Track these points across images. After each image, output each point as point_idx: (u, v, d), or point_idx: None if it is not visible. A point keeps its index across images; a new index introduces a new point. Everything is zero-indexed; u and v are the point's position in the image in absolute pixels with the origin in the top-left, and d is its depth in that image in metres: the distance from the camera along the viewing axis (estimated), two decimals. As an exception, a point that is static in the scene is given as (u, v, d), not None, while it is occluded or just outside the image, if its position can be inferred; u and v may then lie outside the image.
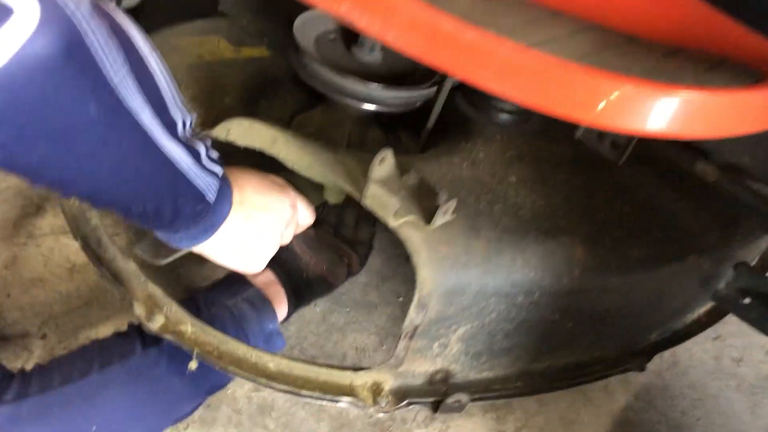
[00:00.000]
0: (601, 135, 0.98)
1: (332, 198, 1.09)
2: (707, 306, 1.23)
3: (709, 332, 1.34)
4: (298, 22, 1.03)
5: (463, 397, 0.91)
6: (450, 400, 0.91)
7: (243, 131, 0.96)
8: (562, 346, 1.02)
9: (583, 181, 1.04)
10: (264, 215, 0.87)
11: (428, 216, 0.84)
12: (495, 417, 1.12)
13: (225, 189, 0.79)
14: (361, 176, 0.87)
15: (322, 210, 1.18)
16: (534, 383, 1.02)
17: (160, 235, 0.79)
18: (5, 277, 1.13)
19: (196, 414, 1.01)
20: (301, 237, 1.09)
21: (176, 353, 0.90)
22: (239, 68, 1.15)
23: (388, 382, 0.92)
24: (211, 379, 0.94)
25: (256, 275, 1.03)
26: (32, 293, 1.11)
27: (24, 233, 1.20)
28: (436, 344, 0.90)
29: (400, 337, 0.88)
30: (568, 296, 0.93)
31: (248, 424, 1.02)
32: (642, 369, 1.11)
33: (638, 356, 1.12)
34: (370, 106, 0.99)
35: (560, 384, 1.05)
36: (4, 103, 0.51)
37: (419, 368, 0.93)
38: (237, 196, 0.81)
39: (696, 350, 1.33)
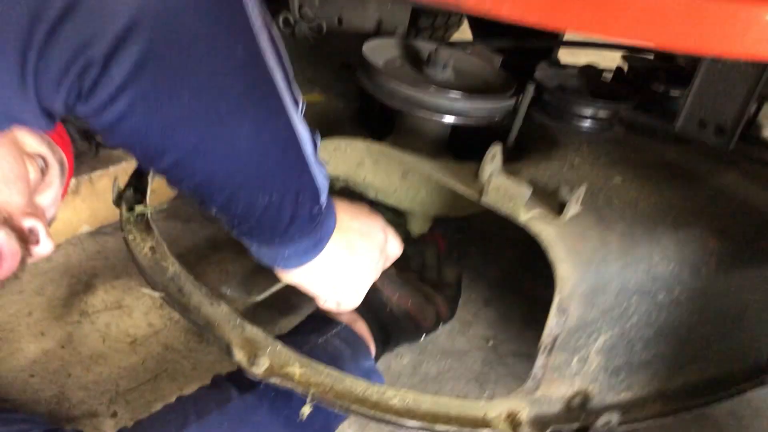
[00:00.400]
0: (702, 122, 0.92)
1: (416, 228, 1.02)
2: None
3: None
4: (366, 48, 0.99)
5: (613, 416, 0.80)
6: (600, 421, 0.79)
7: (326, 156, 0.90)
8: (698, 358, 0.92)
9: (684, 183, 0.98)
10: (362, 241, 0.80)
11: (557, 209, 0.76)
12: (625, 454, 0.99)
13: (329, 201, 0.73)
14: (471, 176, 0.80)
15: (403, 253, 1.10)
16: (672, 403, 0.91)
17: (267, 257, 0.71)
18: (62, 356, 1.01)
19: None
20: (383, 276, 1.00)
21: (277, 397, 0.79)
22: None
23: (524, 411, 0.81)
24: (316, 425, 0.82)
25: (340, 313, 0.94)
26: (95, 371, 1.00)
27: (76, 311, 1.10)
28: (575, 359, 0.80)
29: (538, 354, 0.78)
30: (705, 294, 0.84)
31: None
32: (776, 381, 1.01)
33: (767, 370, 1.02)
34: (451, 119, 0.93)
35: (697, 402, 0.94)
36: (156, 41, 0.45)
37: (556, 392, 0.82)
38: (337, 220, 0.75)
39: (811, 366, 1.23)
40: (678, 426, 1.05)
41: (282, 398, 0.79)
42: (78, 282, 1.16)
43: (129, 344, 1.05)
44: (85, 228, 1.27)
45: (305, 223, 0.67)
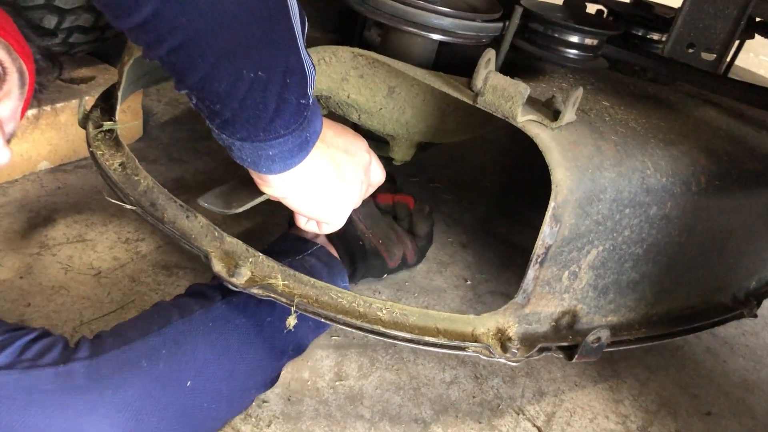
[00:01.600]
0: (692, 44, 0.91)
1: (399, 155, 0.99)
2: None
3: (788, 292, 1.26)
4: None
5: (603, 333, 0.78)
6: (590, 338, 0.78)
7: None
8: (683, 284, 0.91)
9: (669, 112, 0.97)
10: (346, 158, 0.77)
11: (552, 117, 0.74)
12: (608, 387, 0.98)
13: (315, 102, 0.69)
14: (464, 84, 0.77)
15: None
16: (657, 330, 0.90)
17: (249, 158, 0.66)
18: (21, 286, 0.95)
19: (277, 409, 0.84)
20: (360, 209, 0.97)
21: (261, 302, 0.76)
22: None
23: (513, 328, 0.78)
24: (297, 335, 0.80)
25: (314, 237, 0.91)
26: (56, 301, 0.94)
27: (35, 244, 1.03)
28: (566, 273, 0.78)
29: (529, 266, 0.76)
30: (695, 212, 0.84)
31: (339, 415, 0.85)
32: (755, 315, 1.01)
33: (745, 303, 1.02)
34: (438, 37, 0.90)
35: (682, 330, 0.93)
36: None
37: (545, 309, 0.80)
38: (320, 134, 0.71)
39: (781, 310, 1.24)
40: (657, 362, 1.05)
41: (266, 304, 0.77)
42: (37, 216, 1.09)
43: (93, 276, 1.00)
44: (44, 164, 1.20)
45: (292, 115, 0.63)
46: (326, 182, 0.75)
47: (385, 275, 1.06)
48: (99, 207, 1.13)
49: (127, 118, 1.29)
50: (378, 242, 0.99)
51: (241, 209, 0.78)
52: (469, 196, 1.40)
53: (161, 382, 0.66)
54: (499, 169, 1.57)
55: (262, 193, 0.76)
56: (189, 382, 0.67)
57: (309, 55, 0.64)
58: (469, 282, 1.14)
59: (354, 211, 0.96)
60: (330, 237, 0.93)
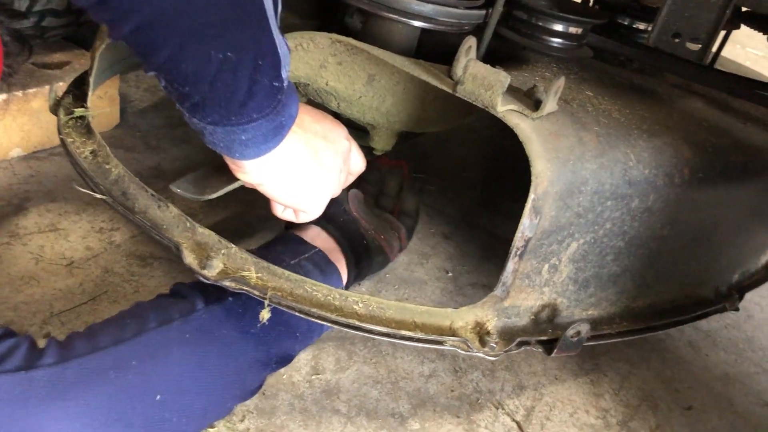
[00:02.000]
0: (677, 34, 0.90)
1: (380, 144, 0.97)
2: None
3: (771, 285, 1.26)
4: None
5: (582, 327, 0.77)
6: (570, 331, 0.76)
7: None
8: (665, 278, 0.90)
9: (654, 102, 0.96)
10: (324, 144, 0.75)
11: (533, 107, 0.72)
12: (588, 381, 0.97)
13: (291, 85, 0.67)
14: (444, 72, 0.75)
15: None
16: (638, 323, 0.89)
17: (222, 143, 0.64)
18: (-11, 277, 0.93)
19: (251, 404, 0.82)
20: (355, 201, 0.95)
21: (246, 313, 0.73)
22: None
23: (492, 322, 0.77)
24: (283, 346, 0.77)
25: (316, 238, 0.88)
26: (26, 292, 0.91)
27: (5, 233, 1.01)
28: (546, 266, 0.77)
29: (508, 259, 0.74)
30: (678, 205, 0.82)
31: (315, 409, 0.83)
32: (736, 308, 1.01)
33: (728, 297, 1.01)
34: (419, 23, 0.88)
35: (663, 324, 0.93)
36: None
37: (525, 302, 0.79)
38: (297, 119, 0.69)
39: (765, 303, 1.25)
40: (639, 356, 1.04)
41: (251, 315, 0.74)
42: (8, 205, 1.06)
43: (65, 267, 0.97)
44: (16, 151, 1.17)
45: (265, 98, 0.61)
46: (303, 169, 0.73)
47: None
48: (73, 195, 1.11)
49: (104, 105, 1.26)
50: (381, 238, 0.96)
51: (214, 195, 0.76)
52: (453, 186, 1.38)
53: (129, 394, 0.62)
54: (483, 160, 1.55)
55: (236, 180, 0.74)
56: (159, 396, 0.64)
57: (283, 37, 0.61)
58: (450, 274, 1.13)
59: (352, 205, 0.94)
60: (336, 239, 0.90)
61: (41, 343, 0.65)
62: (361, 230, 0.93)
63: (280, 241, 0.87)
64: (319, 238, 0.88)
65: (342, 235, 0.90)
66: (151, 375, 0.64)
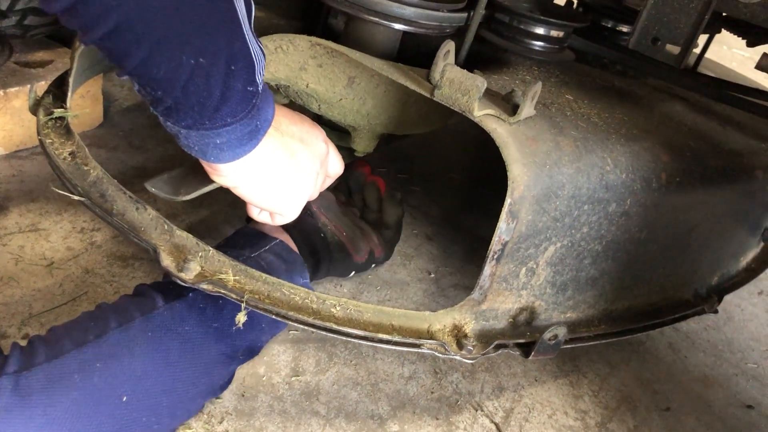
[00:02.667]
0: (656, 39, 0.90)
1: (361, 146, 0.97)
2: (755, 251, 1.16)
3: (752, 288, 1.27)
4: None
5: (560, 330, 0.77)
6: (547, 335, 0.77)
7: (266, 57, 0.83)
8: (644, 280, 0.91)
9: (634, 106, 0.96)
10: (301, 147, 0.75)
11: (510, 111, 0.73)
12: (568, 383, 0.98)
13: (267, 90, 0.67)
14: (423, 76, 0.75)
15: (347, 191, 1.05)
16: (616, 326, 0.90)
17: (197, 147, 0.64)
18: (-31, 278, 0.92)
19: (231, 405, 0.82)
20: (320, 201, 0.94)
21: (207, 307, 0.73)
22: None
23: (469, 325, 0.77)
24: (247, 339, 0.76)
25: (274, 230, 0.87)
26: (5, 293, 0.91)
27: (-14, 233, 1.00)
28: (523, 270, 0.77)
29: (485, 263, 0.75)
30: (655, 209, 0.83)
31: (294, 411, 0.84)
32: (715, 311, 1.01)
33: (706, 299, 1.02)
34: (400, 26, 0.88)
35: (642, 327, 0.93)
36: None
37: (503, 305, 0.79)
38: (273, 121, 0.69)
39: (745, 305, 1.25)
40: (619, 357, 1.05)
41: (212, 309, 0.73)
42: (-12, 204, 1.06)
43: (45, 267, 0.97)
44: (-1, 150, 1.17)
45: (239, 103, 0.61)
46: (279, 171, 0.73)
47: (353, 272, 1.01)
48: (54, 195, 1.10)
49: (87, 104, 1.26)
50: (342, 234, 0.96)
51: (189, 197, 0.76)
52: (437, 187, 1.38)
53: (95, 398, 0.62)
54: (468, 161, 1.55)
55: (212, 181, 0.74)
56: (125, 397, 0.63)
57: (257, 41, 0.62)
58: (432, 275, 1.13)
59: (313, 202, 0.94)
60: (288, 229, 0.90)
61: (8, 348, 0.64)
62: (317, 224, 0.93)
63: (240, 236, 0.86)
64: (276, 230, 0.88)
65: (295, 226, 0.88)
66: (115, 376, 0.64)
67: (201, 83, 0.57)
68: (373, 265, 1.03)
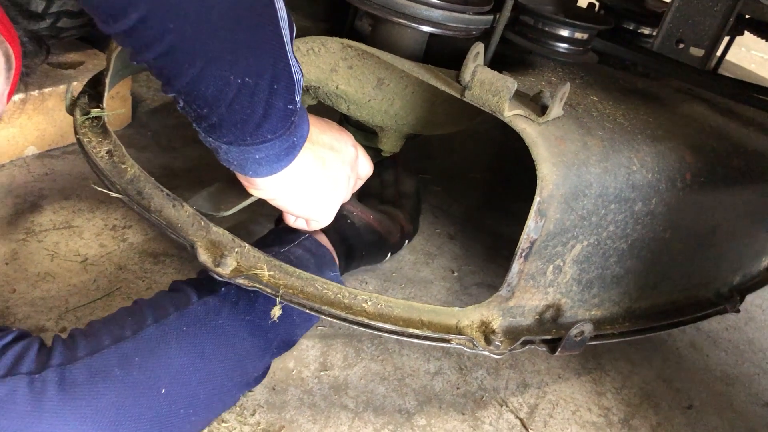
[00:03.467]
0: (680, 41, 0.92)
1: (388, 146, 0.99)
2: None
3: (772, 288, 1.27)
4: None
5: (586, 326, 0.79)
6: (573, 331, 0.78)
7: (299, 58, 0.85)
8: (667, 278, 0.92)
9: (658, 107, 0.97)
10: (332, 154, 0.78)
11: (539, 111, 0.74)
12: (591, 380, 0.99)
13: (302, 106, 0.69)
14: (452, 77, 0.77)
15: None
16: (640, 324, 0.91)
17: (236, 162, 0.67)
18: (6, 273, 0.95)
19: (262, 399, 0.84)
20: None
21: (239, 301, 0.75)
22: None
23: (497, 321, 0.79)
24: (280, 332, 0.78)
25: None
26: (42, 288, 0.94)
27: (21, 230, 1.03)
28: (550, 267, 0.79)
29: (514, 260, 0.76)
30: (680, 209, 0.84)
31: (324, 404, 0.86)
32: (737, 310, 1.02)
33: (728, 298, 1.03)
34: (427, 28, 0.90)
35: (665, 325, 0.94)
36: None
37: (530, 302, 0.80)
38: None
39: (766, 306, 1.26)
40: (641, 356, 1.06)
41: (245, 302, 0.75)
42: (23, 202, 1.09)
43: (79, 263, 0.99)
44: (32, 150, 1.19)
45: (279, 120, 0.64)
46: (313, 181, 0.76)
47: (389, 254, 1.02)
48: (86, 193, 1.13)
49: (116, 105, 1.28)
50: (369, 217, 0.97)
51: (229, 212, 0.79)
52: (458, 187, 1.40)
53: (135, 391, 0.64)
54: (488, 161, 1.57)
55: (250, 195, 0.77)
56: (164, 389, 0.65)
57: (296, 61, 0.64)
58: (456, 273, 1.15)
59: None
60: None
61: (48, 341, 0.67)
62: (342, 211, 0.93)
63: (271, 234, 0.89)
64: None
65: None
66: (154, 370, 0.66)
67: (246, 101, 0.59)
68: (406, 241, 1.05)
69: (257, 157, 0.67)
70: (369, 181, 1.06)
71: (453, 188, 1.39)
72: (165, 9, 0.52)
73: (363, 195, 1.04)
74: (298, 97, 0.65)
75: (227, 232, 0.75)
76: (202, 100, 0.59)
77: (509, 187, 1.46)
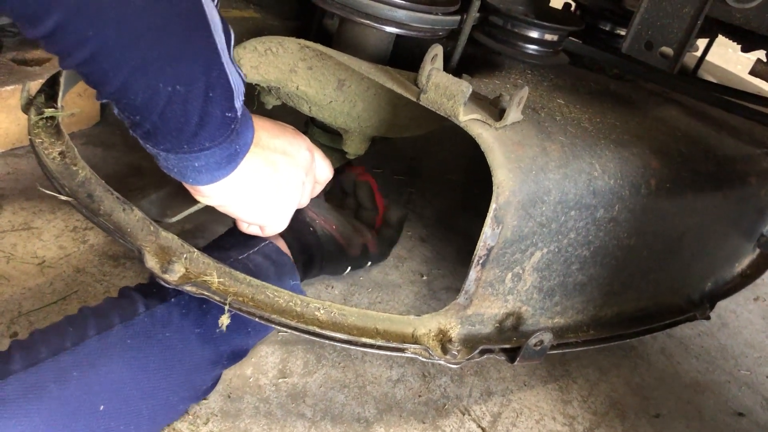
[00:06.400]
0: (649, 44, 0.90)
1: (353, 148, 0.97)
2: (750, 257, 1.15)
3: (748, 294, 1.26)
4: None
5: (545, 336, 0.77)
6: (532, 341, 0.77)
7: (256, 59, 0.83)
8: (634, 286, 0.90)
9: (627, 110, 0.96)
10: (283, 159, 0.76)
11: (497, 116, 0.72)
12: (557, 387, 0.97)
13: (246, 113, 0.67)
14: (410, 79, 0.75)
15: (340, 193, 1.05)
16: (606, 332, 0.90)
17: (175, 169, 0.65)
18: (-40, 275, 0.93)
19: (216, 407, 0.82)
20: (310, 202, 0.94)
21: (190, 310, 0.73)
22: (235, 24, 1.03)
23: (455, 329, 0.77)
24: (233, 343, 0.76)
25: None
26: (-4, 291, 0.92)
27: (-21, 231, 1.01)
28: (509, 275, 0.77)
29: (471, 268, 0.74)
30: (644, 215, 0.82)
31: (280, 413, 0.84)
32: (707, 317, 1.01)
33: (699, 305, 1.02)
34: (392, 29, 0.88)
35: (632, 333, 0.93)
36: None
37: (488, 310, 0.79)
38: (254, 137, 0.69)
39: (741, 311, 1.24)
40: (610, 363, 1.04)
41: (195, 313, 0.73)
42: (-18, 202, 1.06)
43: (36, 266, 0.97)
44: (-6, 148, 1.17)
45: (217, 129, 0.62)
46: (263, 187, 0.74)
47: (348, 268, 1.00)
48: (49, 194, 1.10)
49: (83, 102, 1.26)
50: (332, 227, 0.95)
51: (175, 219, 0.77)
52: (433, 189, 1.38)
53: (71, 407, 0.61)
54: (464, 163, 1.55)
55: (198, 201, 0.75)
56: (102, 406, 0.62)
57: (237, 68, 0.63)
58: (425, 277, 1.13)
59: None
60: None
61: (5, 343, 0.64)
62: (306, 218, 0.92)
63: (228, 236, 0.86)
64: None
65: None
66: (92, 385, 0.63)
67: (178, 110, 0.57)
68: (369, 263, 1.03)
69: (196, 165, 0.65)
70: (346, 197, 1.05)
71: (428, 189, 1.37)
72: (84, 15, 0.50)
73: (338, 206, 1.02)
74: (238, 104, 0.63)
75: (177, 238, 0.73)
76: (132, 108, 0.57)
77: (485, 189, 1.44)
